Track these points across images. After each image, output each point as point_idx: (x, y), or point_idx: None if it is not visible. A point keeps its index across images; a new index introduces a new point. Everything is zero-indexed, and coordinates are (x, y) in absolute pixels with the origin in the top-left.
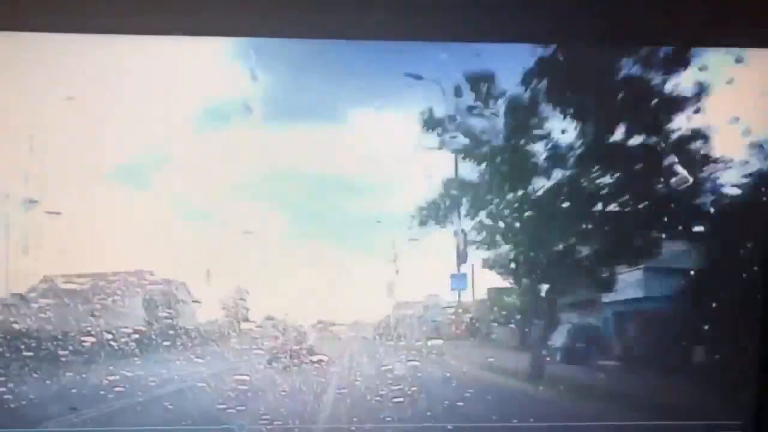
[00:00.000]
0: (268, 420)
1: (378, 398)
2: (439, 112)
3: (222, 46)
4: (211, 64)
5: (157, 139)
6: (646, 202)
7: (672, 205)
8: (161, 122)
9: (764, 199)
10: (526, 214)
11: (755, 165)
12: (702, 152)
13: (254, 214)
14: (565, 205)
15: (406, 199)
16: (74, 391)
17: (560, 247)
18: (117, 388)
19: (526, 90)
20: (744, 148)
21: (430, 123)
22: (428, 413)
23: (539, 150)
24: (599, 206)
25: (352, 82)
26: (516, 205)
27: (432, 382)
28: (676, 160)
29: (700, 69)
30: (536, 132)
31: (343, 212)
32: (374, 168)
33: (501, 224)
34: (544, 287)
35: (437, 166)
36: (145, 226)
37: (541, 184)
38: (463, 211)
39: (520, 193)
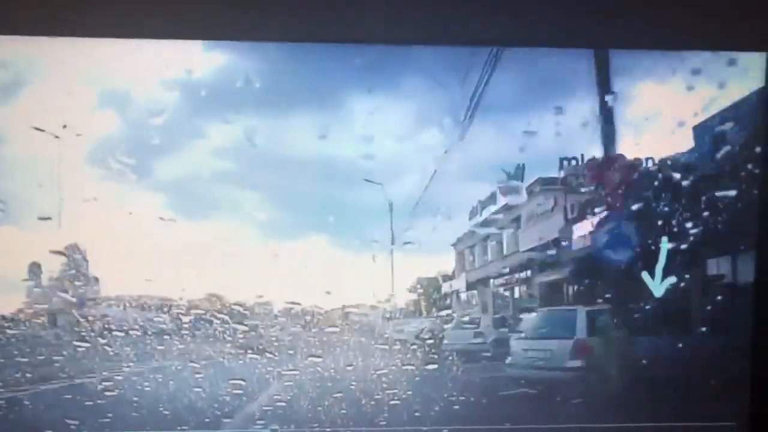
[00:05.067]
0: (263, 424)
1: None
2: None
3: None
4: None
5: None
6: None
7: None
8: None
9: (756, 200)
10: None
11: (747, 167)
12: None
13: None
14: None
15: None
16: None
17: None
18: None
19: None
20: (737, 149)
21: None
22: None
23: None
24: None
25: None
26: None
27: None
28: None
29: (693, 72)
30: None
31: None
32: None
33: None
34: None
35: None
36: (143, 219)
37: None
38: None
39: None
